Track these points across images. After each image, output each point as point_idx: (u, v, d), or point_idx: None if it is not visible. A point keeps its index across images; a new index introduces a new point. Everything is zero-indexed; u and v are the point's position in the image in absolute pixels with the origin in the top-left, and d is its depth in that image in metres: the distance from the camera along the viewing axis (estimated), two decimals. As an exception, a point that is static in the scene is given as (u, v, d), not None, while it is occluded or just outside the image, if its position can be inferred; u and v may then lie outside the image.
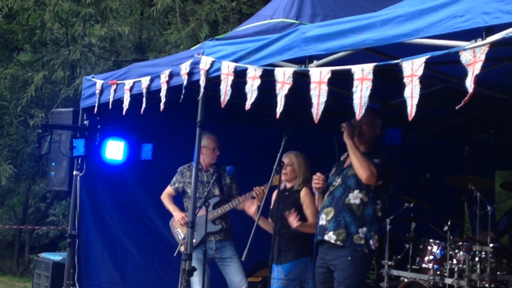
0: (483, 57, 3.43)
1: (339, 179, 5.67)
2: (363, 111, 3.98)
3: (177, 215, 7.18)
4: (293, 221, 5.96)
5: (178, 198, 7.41)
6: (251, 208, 6.50)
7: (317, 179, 5.77)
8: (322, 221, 5.64)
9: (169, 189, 7.39)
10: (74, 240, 8.15)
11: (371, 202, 5.52)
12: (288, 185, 6.42)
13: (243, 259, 5.76)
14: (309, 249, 6.13)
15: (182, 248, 6.79)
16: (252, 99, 4.82)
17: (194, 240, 6.63)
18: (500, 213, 9.10)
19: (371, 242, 5.51)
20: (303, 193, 6.25)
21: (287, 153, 6.35)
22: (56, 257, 9.06)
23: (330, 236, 5.54)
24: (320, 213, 5.71)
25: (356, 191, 5.54)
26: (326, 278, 5.64)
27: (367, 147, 5.69)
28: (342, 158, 5.83)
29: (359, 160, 5.43)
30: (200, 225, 6.69)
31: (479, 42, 3.48)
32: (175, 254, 7.04)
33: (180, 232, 7.17)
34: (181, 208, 7.31)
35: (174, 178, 7.36)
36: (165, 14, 11.88)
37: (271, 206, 6.52)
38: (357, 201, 5.52)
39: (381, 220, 5.64)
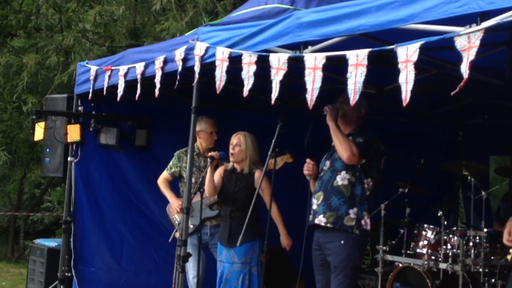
0: (477, 43, 3.43)
1: (328, 163, 5.71)
2: (357, 97, 3.98)
3: (174, 202, 7.16)
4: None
5: (174, 183, 7.42)
6: None
7: (306, 166, 5.81)
8: (314, 206, 5.68)
9: (165, 174, 7.38)
10: (69, 226, 8.15)
11: (359, 181, 5.53)
12: (238, 167, 6.47)
13: (237, 245, 5.81)
14: (260, 232, 6.22)
15: (177, 234, 6.80)
16: (249, 86, 4.81)
17: (191, 226, 6.65)
18: (495, 198, 9.13)
19: (362, 222, 5.50)
20: (258, 175, 6.32)
21: (236, 133, 6.42)
22: (51, 243, 9.06)
23: (321, 219, 5.57)
24: (312, 198, 5.75)
25: (343, 172, 5.55)
26: (323, 260, 5.68)
27: (354, 127, 5.72)
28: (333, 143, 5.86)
29: (339, 141, 5.45)
30: (197, 211, 6.69)
31: (474, 27, 3.48)
32: (170, 240, 7.05)
33: (177, 218, 7.17)
34: (177, 192, 7.31)
35: (170, 163, 7.35)
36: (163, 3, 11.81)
37: (218, 187, 6.58)
38: (345, 182, 5.54)
39: (370, 199, 5.61)
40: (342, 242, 5.48)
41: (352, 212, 5.49)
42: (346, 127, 5.70)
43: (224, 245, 6.38)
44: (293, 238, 6.77)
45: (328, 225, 5.53)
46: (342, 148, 5.42)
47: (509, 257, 5.21)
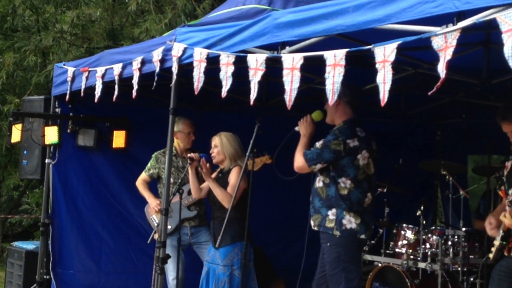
0: (454, 43, 3.44)
1: None
2: (335, 97, 3.98)
3: (152, 202, 7.14)
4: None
5: (153, 184, 7.39)
6: None
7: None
8: (310, 207, 5.75)
9: (143, 176, 7.35)
10: (48, 229, 8.11)
11: (333, 182, 5.53)
12: (222, 167, 6.49)
13: (216, 246, 5.80)
14: (243, 234, 6.02)
15: (156, 236, 6.77)
16: (228, 86, 4.80)
17: (169, 227, 6.62)
18: (473, 197, 9.18)
19: (344, 221, 5.47)
20: (232, 171, 6.35)
21: (214, 136, 6.47)
22: (29, 246, 9.00)
23: (311, 223, 5.65)
24: None
25: (318, 174, 5.62)
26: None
27: (342, 120, 5.72)
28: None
29: (296, 153, 5.64)
30: (175, 212, 6.67)
31: (450, 27, 3.49)
32: (148, 241, 7.02)
33: (155, 219, 7.15)
34: (156, 194, 7.28)
35: (148, 164, 7.32)
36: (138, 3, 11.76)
37: (205, 191, 6.57)
38: (320, 184, 5.59)
39: (350, 197, 5.52)
40: (328, 244, 5.52)
41: (331, 213, 5.51)
42: (335, 121, 5.76)
43: (213, 246, 6.37)
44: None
45: (316, 228, 5.60)
46: (294, 160, 5.63)
47: (491, 255, 5.19)
